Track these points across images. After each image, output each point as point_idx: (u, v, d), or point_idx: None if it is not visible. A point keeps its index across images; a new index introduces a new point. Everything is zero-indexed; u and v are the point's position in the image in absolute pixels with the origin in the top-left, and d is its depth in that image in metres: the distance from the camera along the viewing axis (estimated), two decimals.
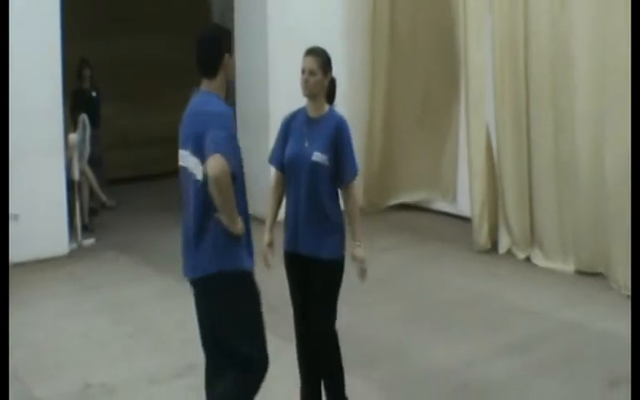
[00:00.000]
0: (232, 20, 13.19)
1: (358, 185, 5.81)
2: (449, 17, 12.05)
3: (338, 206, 5.62)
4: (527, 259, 10.40)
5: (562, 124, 9.98)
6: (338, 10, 12.36)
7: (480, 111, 10.95)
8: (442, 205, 12.92)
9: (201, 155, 4.70)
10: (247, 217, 4.95)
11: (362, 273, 5.57)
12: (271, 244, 5.66)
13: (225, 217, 4.70)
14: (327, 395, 5.76)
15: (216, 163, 4.51)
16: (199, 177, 4.74)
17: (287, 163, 5.43)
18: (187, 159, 4.86)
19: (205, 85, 4.96)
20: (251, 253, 4.97)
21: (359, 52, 12.27)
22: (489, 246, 10.89)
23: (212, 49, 4.93)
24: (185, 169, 4.90)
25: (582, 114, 9.65)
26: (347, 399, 5.81)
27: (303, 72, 5.51)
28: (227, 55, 4.93)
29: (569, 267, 9.89)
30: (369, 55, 12.55)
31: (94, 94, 12.69)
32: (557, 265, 10.03)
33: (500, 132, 10.74)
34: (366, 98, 12.52)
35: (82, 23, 13.20)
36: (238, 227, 4.76)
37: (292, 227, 5.56)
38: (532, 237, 10.49)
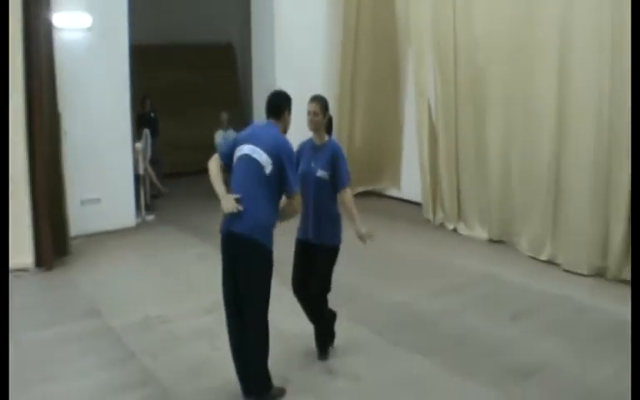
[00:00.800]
0: (250, 63, 13.25)
1: None
2: (398, 55, 12.21)
3: (337, 207, 5.70)
4: (454, 230, 10.44)
5: (479, 125, 9.96)
6: (321, 58, 12.39)
7: (425, 124, 10.90)
8: (392, 192, 12.90)
9: (273, 162, 4.91)
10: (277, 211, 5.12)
11: (370, 239, 5.65)
12: None
13: (288, 216, 5.23)
14: (319, 333, 5.93)
15: (298, 202, 5.16)
16: (267, 171, 4.91)
17: (299, 178, 5.37)
18: (258, 154, 4.93)
19: (272, 121, 5.19)
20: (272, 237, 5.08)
21: (333, 84, 12.25)
22: (429, 221, 10.92)
23: (279, 105, 5.22)
24: (251, 158, 4.94)
25: (494, 116, 9.66)
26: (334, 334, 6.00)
27: (309, 113, 5.60)
28: (287, 112, 5.23)
29: (484, 236, 9.93)
30: (339, 87, 12.50)
31: (153, 115, 12.73)
32: (475, 234, 10.09)
33: (440, 136, 10.71)
34: (336, 118, 12.40)
35: (146, 65, 13.19)
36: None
37: (304, 222, 5.68)
38: (459, 213, 10.52)
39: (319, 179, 5.54)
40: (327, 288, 5.74)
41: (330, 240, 5.65)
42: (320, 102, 5.61)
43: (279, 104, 5.20)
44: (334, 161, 5.56)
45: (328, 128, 5.75)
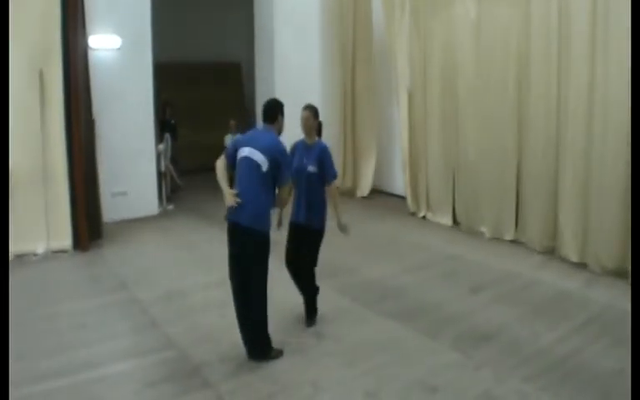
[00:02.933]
0: (253, 78, 13.17)
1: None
2: (378, 74, 11.97)
3: (324, 197, 5.70)
4: (424, 217, 10.31)
5: (445, 125, 9.80)
6: (317, 78, 12.31)
7: (406, 134, 10.68)
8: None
9: (270, 160, 4.87)
10: (273, 201, 5.11)
11: (347, 232, 5.72)
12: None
13: (282, 204, 5.17)
14: (305, 303, 5.91)
15: (289, 191, 5.17)
16: (264, 169, 4.89)
17: (294, 172, 5.45)
18: (256, 155, 4.91)
19: (267, 126, 5.14)
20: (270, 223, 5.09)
21: (329, 104, 12.17)
22: (407, 210, 10.73)
23: (273, 111, 5.15)
24: (250, 159, 4.92)
25: (457, 124, 9.51)
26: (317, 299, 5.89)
27: (302, 119, 5.69)
28: (280, 116, 5.16)
29: (449, 222, 9.81)
30: (332, 105, 12.38)
31: (173, 122, 12.60)
32: (441, 220, 9.95)
33: (413, 142, 10.59)
34: (331, 134, 12.26)
35: (166, 80, 13.04)
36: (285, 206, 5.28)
37: (297, 209, 5.72)
38: (428, 203, 10.38)
39: (310, 173, 5.58)
40: (314, 264, 5.79)
41: (318, 224, 5.68)
42: (311, 110, 5.70)
43: (273, 111, 5.14)
44: (322, 159, 5.61)
45: (318, 131, 5.78)
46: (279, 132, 5.15)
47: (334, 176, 5.68)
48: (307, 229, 5.65)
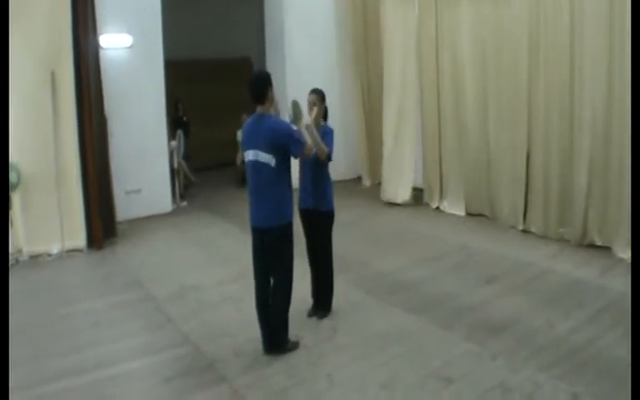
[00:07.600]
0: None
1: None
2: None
3: (330, 179, 5.71)
4: (437, 208, 10.18)
5: (457, 119, 9.72)
6: (329, 70, 12.26)
7: (411, 124, 10.62)
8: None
9: (275, 154, 4.80)
10: (291, 185, 5.05)
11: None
12: None
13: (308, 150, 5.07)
14: (322, 288, 5.90)
15: (304, 153, 5.02)
16: (273, 164, 4.83)
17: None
18: (259, 155, 4.84)
19: (260, 109, 4.97)
20: (292, 209, 5.10)
21: (347, 97, 12.22)
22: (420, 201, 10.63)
23: (260, 86, 4.94)
24: (257, 161, 4.87)
25: (470, 115, 9.45)
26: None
27: (309, 103, 5.63)
28: (269, 89, 4.96)
29: (462, 212, 9.71)
30: (350, 98, 12.39)
31: (185, 118, 12.66)
32: (455, 211, 9.84)
33: (425, 132, 10.50)
34: (346, 124, 12.24)
35: (177, 77, 13.04)
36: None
37: (304, 194, 5.70)
38: (441, 194, 10.27)
39: (316, 155, 5.47)
40: (331, 249, 5.80)
41: (328, 206, 5.69)
42: (319, 94, 5.69)
43: (261, 90, 4.92)
44: (324, 138, 5.51)
45: (324, 116, 5.79)
46: (272, 104, 4.98)
47: (330, 154, 5.50)
48: (317, 213, 5.65)
